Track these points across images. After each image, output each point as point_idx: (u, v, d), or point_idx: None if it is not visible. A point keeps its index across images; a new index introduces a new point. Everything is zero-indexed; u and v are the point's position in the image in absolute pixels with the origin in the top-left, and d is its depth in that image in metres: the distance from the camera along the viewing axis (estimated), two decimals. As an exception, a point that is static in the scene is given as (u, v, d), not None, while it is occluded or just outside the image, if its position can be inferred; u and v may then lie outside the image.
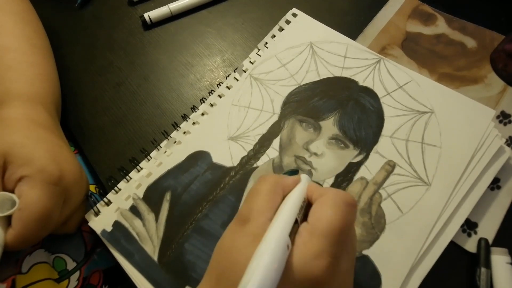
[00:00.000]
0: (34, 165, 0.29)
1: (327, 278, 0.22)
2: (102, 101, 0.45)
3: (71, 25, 0.50)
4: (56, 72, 0.42)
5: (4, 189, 0.29)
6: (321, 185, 0.36)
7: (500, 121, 0.42)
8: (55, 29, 0.48)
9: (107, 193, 0.37)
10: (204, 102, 0.41)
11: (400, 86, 0.40)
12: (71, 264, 0.34)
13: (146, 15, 0.49)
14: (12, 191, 0.29)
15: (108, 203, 0.36)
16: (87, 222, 0.35)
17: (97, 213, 0.35)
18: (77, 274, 0.34)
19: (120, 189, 0.37)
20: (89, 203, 0.36)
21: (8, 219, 0.28)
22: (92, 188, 0.39)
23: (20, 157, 0.29)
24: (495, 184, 0.38)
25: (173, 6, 0.50)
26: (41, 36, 0.42)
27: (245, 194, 0.36)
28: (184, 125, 0.40)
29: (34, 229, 0.28)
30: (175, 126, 0.40)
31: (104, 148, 0.42)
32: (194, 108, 0.41)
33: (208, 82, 0.46)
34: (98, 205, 0.36)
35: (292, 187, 0.26)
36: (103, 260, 0.36)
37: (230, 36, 0.49)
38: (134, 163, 0.39)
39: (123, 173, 0.38)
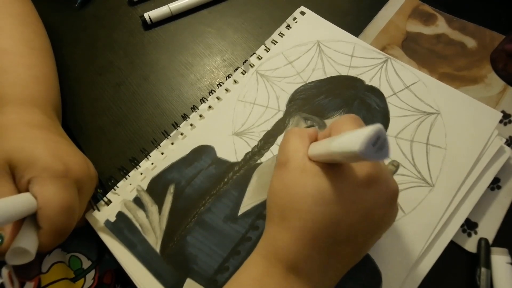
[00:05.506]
0: (37, 165, 0.29)
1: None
2: (102, 101, 0.45)
3: (71, 25, 0.50)
4: (56, 73, 0.41)
5: None
6: None
7: (500, 121, 0.41)
8: (55, 29, 0.48)
9: (107, 193, 0.37)
10: (204, 102, 0.41)
11: (406, 86, 0.40)
12: (86, 263, 0.34)
13: (146, 15, 0.49)
14: None
15: (108, 203, 0.36)
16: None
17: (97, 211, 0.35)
18: (92, 273, 0.34)
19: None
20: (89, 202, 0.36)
21: (35, 222, 0.29)
22: None
23: (22, 161, 0.29)
24: (495, 184, 0.38)
25: (173, 6, 0.49)
26: (41, 38, 0.42)
27: (248, 189, 0.36)
28: (191, 119, 0.40)
29: (62, 222, 0.29)
30: (175, 126, 0.40)
31: (104, 148, 0.42)
32: (194, 108, 0.41)
33: (208, 82, 0.46)
34: (98, 204, 0.36)
35: (314, 135, 0.29)
36: (114, 260, 0.36)
37: (230, 36, 0.49)
38: (134, 163, 0.39)
39: (123, 173, 0.38)
